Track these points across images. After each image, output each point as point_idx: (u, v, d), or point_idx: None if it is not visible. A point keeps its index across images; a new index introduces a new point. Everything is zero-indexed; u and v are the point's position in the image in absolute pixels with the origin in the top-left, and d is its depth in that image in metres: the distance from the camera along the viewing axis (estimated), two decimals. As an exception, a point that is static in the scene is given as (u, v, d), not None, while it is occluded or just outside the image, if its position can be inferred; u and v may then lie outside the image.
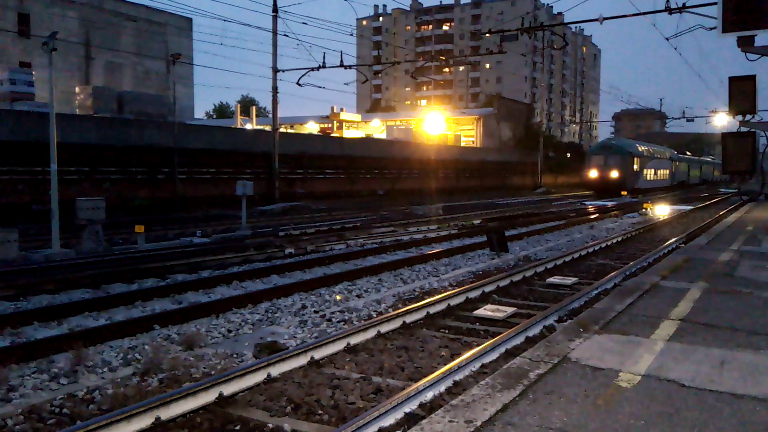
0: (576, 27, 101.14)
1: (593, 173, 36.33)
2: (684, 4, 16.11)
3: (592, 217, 19.91)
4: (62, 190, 11.84)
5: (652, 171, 41.76)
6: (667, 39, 17.59)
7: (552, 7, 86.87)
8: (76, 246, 11.02)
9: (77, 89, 26.30)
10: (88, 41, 34.58)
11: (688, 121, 48.22)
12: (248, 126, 38.72)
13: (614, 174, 35.33)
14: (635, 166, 37.60)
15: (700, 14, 15.80)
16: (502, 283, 7.89)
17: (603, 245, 12.15)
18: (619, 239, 13.36)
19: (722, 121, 41.08)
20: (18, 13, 31.86)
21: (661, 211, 21.90)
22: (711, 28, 14.62)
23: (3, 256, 9.52)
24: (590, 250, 11.39)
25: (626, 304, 5.38)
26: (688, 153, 60.46)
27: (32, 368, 4.69)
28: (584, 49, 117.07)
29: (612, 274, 8.67)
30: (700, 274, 6.97)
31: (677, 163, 49.62)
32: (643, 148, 40.81)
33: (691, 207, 25.02)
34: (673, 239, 12.82)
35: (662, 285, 6.32)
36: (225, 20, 30.35)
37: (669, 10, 16.19)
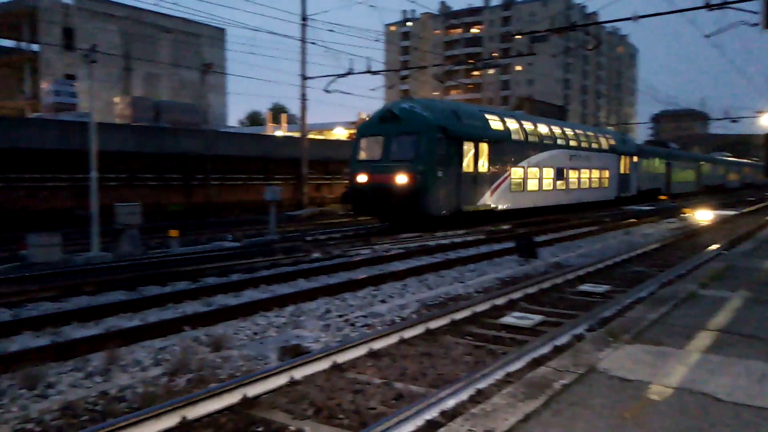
0: (611, 26, 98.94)
1: (361, 177, 15.76)
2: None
3: (628, 222, 19.34)
4: (102, 196, 12.35)
5: (550, 173, 20.78)
6: (707, 36, 16.96)
7: (585, 6, 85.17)
8: (115, 249, 11.47)
9: (116, 99, 27.46)
10: (128, 53, 36.06)
11: (732, 121, 45.96)
12: (278, 133, 39.48)
13: (401, 179, 14.83)
14: (471, 162, 16.39)
15: (742, 10, 15.17)
16: (530, 291, 7.75)
17: (639, 252, 11.77)
18: (656, 246, 12.91)
19: (769, 121, 38.11)
20: (63, 27, 33.57)
21: (703, 216, 21.04)
22: (754, 24, 14.03)
23: (46, 259, 10.02)
24: (625, 256, 11.06)
25: (661, 314, 5.20)
26: (672, 144, 40.94)
27: (69, 366, 4.90)
28: (619, 49, 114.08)
29: (647, 282, 8.39)
30: (742, 282, 6.66)
31: (632, 158, 27.98)
32: (507, 124, 18.63)
33: (736, 212, 23.95)
34: (715, 246, 12.30)
35: (701, 294, 6.08)
36: (255, 30, 31.14)
37: (709, 6, 15.59)
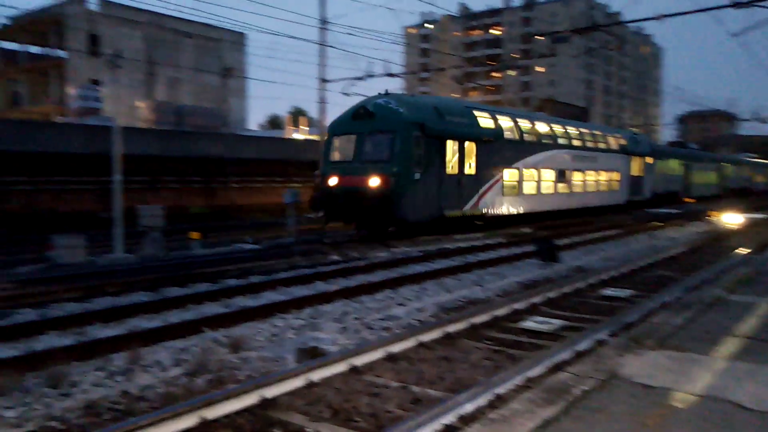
0: (635, 26, 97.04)
1: (332, 180, 14.35)
2: (752, -3, 15.02)
3: (653, 225, 18.90)
4: (125, 199, 12.62)
5: (550, 175, 19.16)
6: (734, 35, 16.50)
7: (608, 6, 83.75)
8: (138, 251, 11.69)
9: (140, 104, 28.08)
10: (151, 58, 36.88)
11: (761, 122, 44.55)
12: (297, 136, 39.83)
13: (374, 182, 13.47)
14: (455, 163, 14.93)
15: (770, 8, 14.68)
16: (551, 295, 7.62)
17: (664, 256, 11.49)
18: (682, 249, 12.59)
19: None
20: (89, 34, 34.50)
21: (730, 219, 20.41)
22: (782, 22, 13.55)
23: (71, 261, 10.26)
24: (649, 260, 10.81)
25: (686, 319, 5.06)
26: (692, 145, 37.96)
27: (92, 365, 4.99)
28: (644, 49, 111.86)
29: (672, 286, 8.18)
30: (771, 287, 6.45)
31: (646, 159, 25.99)
32: (499, 121, 17.01)
33: (765, 216, 23.18)
34: (743, 250, 11.94)
35: (728, 299, 5.90)
36: (275, 34, 31.56)
37: (736, 5, 15.14)
